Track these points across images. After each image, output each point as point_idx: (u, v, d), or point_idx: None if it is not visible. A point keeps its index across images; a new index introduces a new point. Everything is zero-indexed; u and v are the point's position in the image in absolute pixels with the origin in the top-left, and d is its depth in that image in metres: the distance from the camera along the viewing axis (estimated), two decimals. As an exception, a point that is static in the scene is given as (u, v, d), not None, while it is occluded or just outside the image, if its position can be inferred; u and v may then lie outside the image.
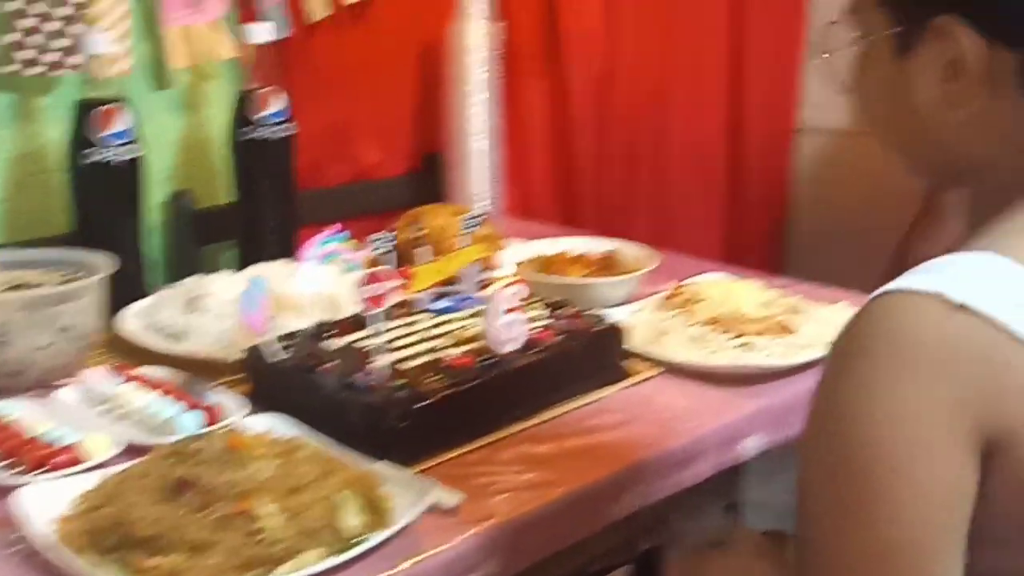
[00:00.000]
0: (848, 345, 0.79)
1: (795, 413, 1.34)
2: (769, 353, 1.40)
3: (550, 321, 1.38)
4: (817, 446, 0.81)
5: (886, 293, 0.78)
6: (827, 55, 0.94)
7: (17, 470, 1.12)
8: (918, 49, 0.84)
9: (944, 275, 0.77)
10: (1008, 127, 0.84)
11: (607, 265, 1.68)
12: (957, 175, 0.91)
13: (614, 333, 1.39)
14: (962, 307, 0.75)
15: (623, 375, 1.39)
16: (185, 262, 1.77)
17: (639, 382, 1.38)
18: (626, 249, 1.74)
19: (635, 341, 1.43)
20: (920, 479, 0.74)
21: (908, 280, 0.78)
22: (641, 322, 1.48)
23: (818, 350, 1.40)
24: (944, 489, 0.75)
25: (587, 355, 1.35)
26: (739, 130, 2.63)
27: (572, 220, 2.30)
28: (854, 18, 0.90)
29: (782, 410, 1.34)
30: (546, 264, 1.69)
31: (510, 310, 1.28)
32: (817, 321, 1.48)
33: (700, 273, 1.66)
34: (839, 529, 0.78)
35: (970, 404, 0.74)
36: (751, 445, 1.31)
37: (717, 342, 1.42)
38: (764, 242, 2.73)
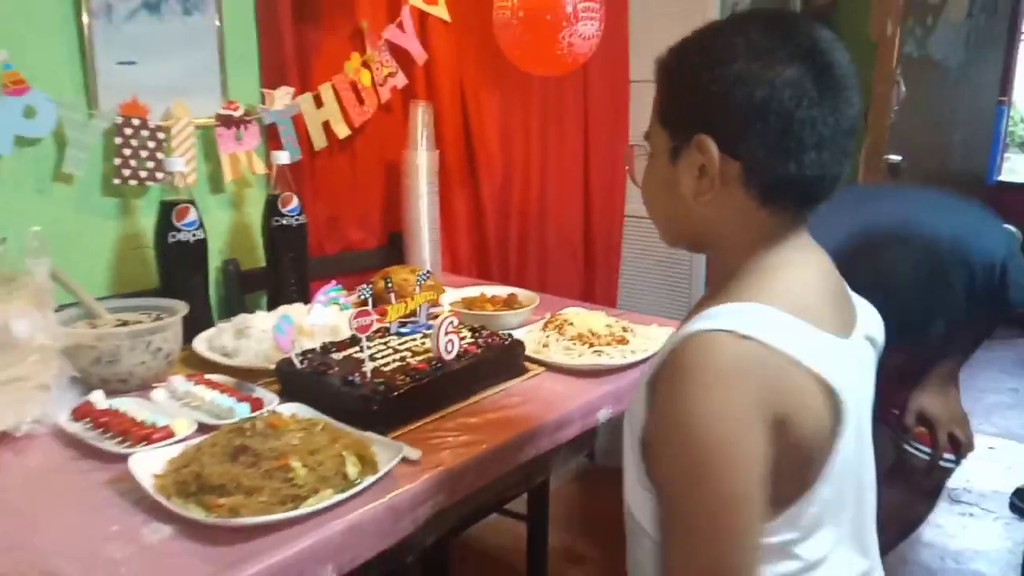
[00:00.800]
0: (678, 373, 0.76)
1: (630, 393, 1.37)
2: (612, 356, 1.43)
3: (474, 339, 1.39)
4: (670, 441, 0.76)
5: (695, 334, 0.76)
6: (628, 167, 0.93)
7: (127, 444, 1.11)
8: (683, 156, 0.82)
9: (731, 318, 0.77)
10: (734, 213, 0.82)
11: (509, 303, 1.70)
12: (704, 244, 0.88)
13: (516, 346, 1.41)
14: (747, 337, 0.75)
15: (522, 372, 1.40)
16: (234, 305, 1.75)
17: (531, 377, 1.39)
18: (520, 292, 1.76)
19: (528, 350, 1.44)
20: (747, 447, 0.74)
21: (706, 324, 0.76)
22: (531, 338, 1.50)
23: (644, 354, 1.44)
24: (758, 452, 0.74)
25: (499, 360, 1.37)
26: (589, 217, 2.66)
27: (485, 275, 2.31)
28: (648, 136, 0.88)
29: (621, 392, 1.37)
30: (470, 303, 1.71)
31: (448, 332, 1.30)
32: (641, 336, 1.52)
33: (567, 307, 1.68)
34: (691, 491, 0.75)
35: (764, 397, 0.74)
36: (602, 415, 1.33)
37: (579, 350, 1.44)
38: (605, 286, 2.77)
